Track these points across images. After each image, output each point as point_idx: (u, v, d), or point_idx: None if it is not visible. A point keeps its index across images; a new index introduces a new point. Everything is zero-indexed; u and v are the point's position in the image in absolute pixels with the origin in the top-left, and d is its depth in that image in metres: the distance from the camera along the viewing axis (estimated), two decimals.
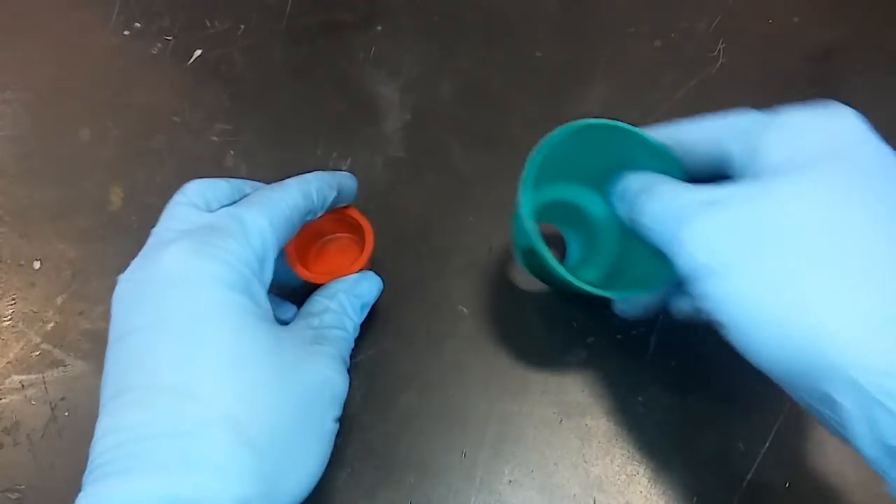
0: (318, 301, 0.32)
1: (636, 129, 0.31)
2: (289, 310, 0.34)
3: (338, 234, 0.37)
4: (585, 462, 0.34)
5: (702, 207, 0.25)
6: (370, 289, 0.34)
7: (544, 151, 0.30)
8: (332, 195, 0.32)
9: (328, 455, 0.27)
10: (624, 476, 0.33)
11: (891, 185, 0.24)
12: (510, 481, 0.33)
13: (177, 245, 0.26)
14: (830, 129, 0.26)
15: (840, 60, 0.44)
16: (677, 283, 0.31)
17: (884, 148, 0.26)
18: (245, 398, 0.24)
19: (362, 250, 0.34)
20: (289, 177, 0.31)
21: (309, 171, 0.42)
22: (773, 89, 0.44)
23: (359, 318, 0.33)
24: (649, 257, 0.31)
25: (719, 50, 0.45)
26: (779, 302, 0.23)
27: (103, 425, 0.24)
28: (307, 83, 0.45)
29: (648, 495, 0.33)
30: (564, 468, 0.34)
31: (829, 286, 0.22)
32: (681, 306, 0.32)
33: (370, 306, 0.34)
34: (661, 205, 0.27)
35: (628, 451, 0.34)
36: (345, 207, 0.35)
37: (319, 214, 0.32)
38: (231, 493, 0.22)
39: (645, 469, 0.33)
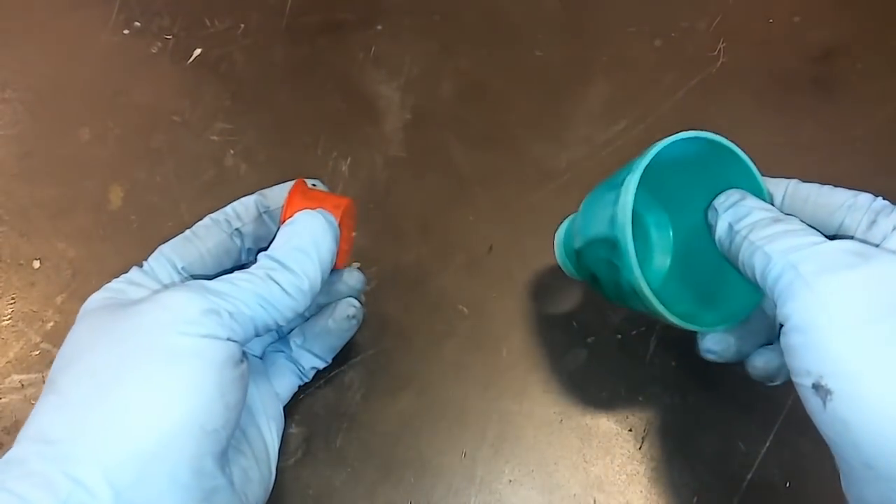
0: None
1: (748, 160, 0.29)
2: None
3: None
4: (585, 462, 0.34)
5: (853, 258, 0.22)
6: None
7: (664, 147, 0.27)
8: (249, 201, 0.30)
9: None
10: (624, 476, 0.33)
11: None
12: (510, 481, 0.33)
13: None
14: None
15: (840, 60, 0.44)
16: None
17: None
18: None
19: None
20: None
21: (308, 171, 0.42)
22: (773, 89, 0.44)
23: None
24: (722, 284, 0.30)
25: (720, 49, 0.45)
26: None
27: None
28: (307, 83, 0.45)
29: (648, 495, 0.33)
30: (564, 468, 0.34)
31: None
32: (761, 364, 0.29)
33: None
34: (798, 241, 0.24)
35: (628, 451, 0.34)
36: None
37: (246, 221, 0.30)
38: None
39: (645, 469, 0.33)
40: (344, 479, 0.33)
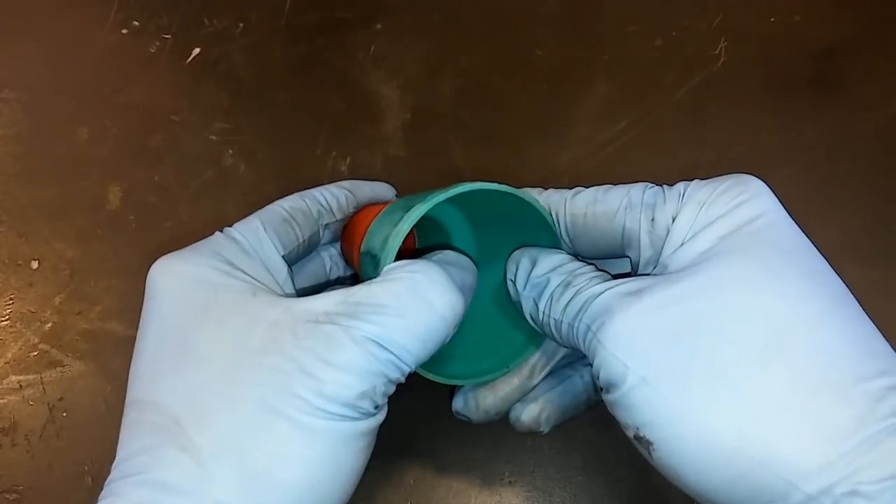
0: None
1: (520, 194, 0.26)
2: None
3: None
4: (587, 462, 0.34)
5: (624, 299, 0.22)
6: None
7: (429, 207, 0.26)
8: (342, 196, 0.30)
9: (333, 456, 0.22)
10: (625, 476, 0.33)
11: (814, 266, 0.22)
12: (510, 482, 0.33)
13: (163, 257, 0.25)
14: (740, 209, 0.23)
15: (842, 59, 0.44)
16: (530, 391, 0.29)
17: (793, 226, 0.23)
18: (180, 390, 0.21)
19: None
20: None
21: (307, 171, 0.42)
22: (774, 88, 0.44)
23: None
24: (500, 329, 0.30)
25: (721, 49, 0.45)
26: (724, 412, 0.20)
27: None
28: (307, 82, 0.44)
29: (650, 495, 0.33)
30: (566, 469, 0.33)
31: (780, 394, 0.20)
32: (521, 416, 0.29)
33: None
34: (578, 298, 0.24)
35: (629, 451, 0.34)
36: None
37: (338, 218, 0.30)
38: None
39: (646, 472, 0.33)
40: None
